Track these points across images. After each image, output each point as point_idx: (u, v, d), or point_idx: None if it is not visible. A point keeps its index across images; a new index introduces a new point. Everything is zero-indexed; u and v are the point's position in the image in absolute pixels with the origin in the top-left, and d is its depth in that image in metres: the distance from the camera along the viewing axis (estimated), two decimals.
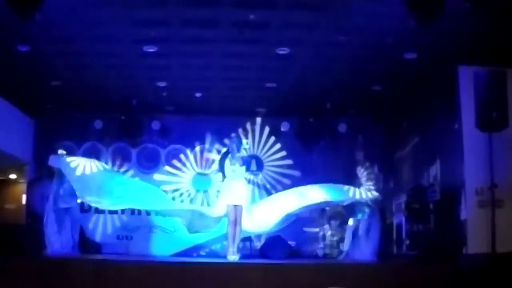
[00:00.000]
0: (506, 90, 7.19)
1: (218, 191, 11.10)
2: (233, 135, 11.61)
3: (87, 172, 9.55)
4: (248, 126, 12.26)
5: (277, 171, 12.38)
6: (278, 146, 12.38)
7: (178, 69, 9.64)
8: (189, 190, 12.25)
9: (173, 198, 12.06)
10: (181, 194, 12.23)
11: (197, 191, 12.30)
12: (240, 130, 12.24)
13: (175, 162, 12.37)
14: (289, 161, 12.29)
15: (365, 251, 9.27)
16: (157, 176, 12.22)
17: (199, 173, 12.33)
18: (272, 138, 12.33)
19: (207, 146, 12.13)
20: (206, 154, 11.94)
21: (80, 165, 9.54)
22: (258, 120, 12.18)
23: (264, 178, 12.32)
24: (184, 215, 9.69)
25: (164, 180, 12.23)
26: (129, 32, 7.99)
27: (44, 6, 6.03)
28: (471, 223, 7.66)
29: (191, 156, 12.34)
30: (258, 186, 12.16)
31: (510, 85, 7.31)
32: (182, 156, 12.36)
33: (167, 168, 12.36)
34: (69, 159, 9.70)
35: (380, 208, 10.26)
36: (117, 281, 6.41)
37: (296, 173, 12.15)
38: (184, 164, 12.36)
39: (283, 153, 12.36)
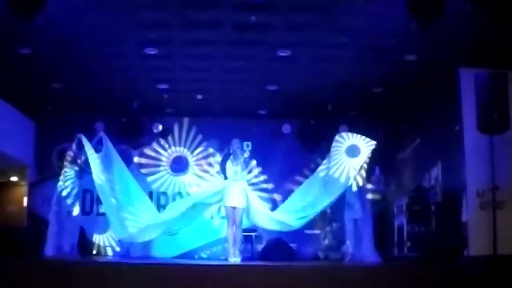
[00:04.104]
0: (507, 92, 7.18)
1: None
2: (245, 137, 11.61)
3: None
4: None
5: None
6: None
7: (179, 71, 9.64)
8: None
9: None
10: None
11: (174, 171, 12.24)
12: (241, 133, 12.18)
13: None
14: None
15: (368, 253, 9.26)
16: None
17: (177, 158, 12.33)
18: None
19: (210, 149, 12.21)
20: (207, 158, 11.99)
21: None
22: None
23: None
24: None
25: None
26: (130, 34, 8.00)
27: (45, 9, 6.03)
28: (472, 225, 7.65)
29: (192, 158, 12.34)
30: (260, 188, 12.10)
31: (511, 87, 7.30)
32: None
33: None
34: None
35: (381, 210, 10.26)
36: (117, 283, 6.42)
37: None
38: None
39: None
